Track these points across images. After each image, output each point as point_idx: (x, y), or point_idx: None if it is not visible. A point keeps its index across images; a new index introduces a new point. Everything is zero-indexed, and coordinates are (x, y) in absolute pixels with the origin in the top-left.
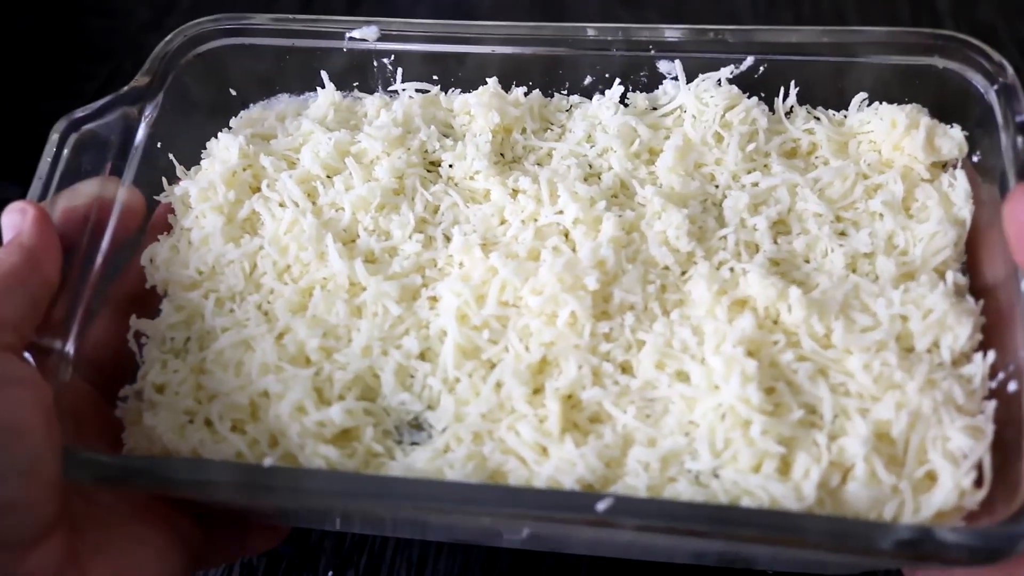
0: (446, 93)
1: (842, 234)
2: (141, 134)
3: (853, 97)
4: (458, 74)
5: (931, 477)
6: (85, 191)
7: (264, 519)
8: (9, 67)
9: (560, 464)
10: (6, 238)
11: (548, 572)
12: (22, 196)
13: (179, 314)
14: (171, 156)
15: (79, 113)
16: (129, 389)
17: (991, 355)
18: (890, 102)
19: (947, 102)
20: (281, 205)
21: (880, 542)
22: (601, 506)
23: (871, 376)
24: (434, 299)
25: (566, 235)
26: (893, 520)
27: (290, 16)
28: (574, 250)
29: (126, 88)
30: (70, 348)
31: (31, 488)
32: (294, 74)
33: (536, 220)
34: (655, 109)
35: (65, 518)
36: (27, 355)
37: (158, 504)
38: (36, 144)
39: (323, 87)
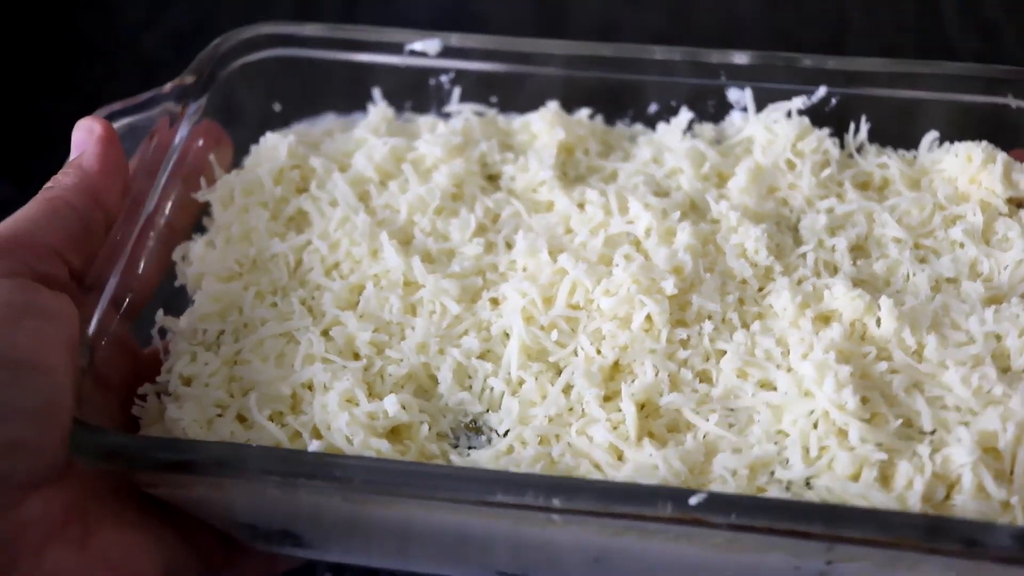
0: (504, 115)
1: (922, 260)
2: (183, 132)
3: (922, 136)
4: (517, 97)
5: None
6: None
7: (278, 541)
8: (4, 65)
9: (639, 467)
10: (73, 156)
11: None
12: (18, 194)
13: (214, 305)
14: (211, 158)
15: (117, 106)
16: (150, 387)
17: None
18: (961, 140)
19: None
20: (331, 204)
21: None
22: (694, 500)
23: (970, 390)
24: (495, 301)
25: (636, 246)
26: None
27: (346, 25)
28: (647, 259)
29: (169, 85)
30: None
31: (41, 429)
32: (343, 90)
33: (605, 230)
34: (719, 143)
35: (78, 473)
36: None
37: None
38: (30, 142)
39: (374, 105)
